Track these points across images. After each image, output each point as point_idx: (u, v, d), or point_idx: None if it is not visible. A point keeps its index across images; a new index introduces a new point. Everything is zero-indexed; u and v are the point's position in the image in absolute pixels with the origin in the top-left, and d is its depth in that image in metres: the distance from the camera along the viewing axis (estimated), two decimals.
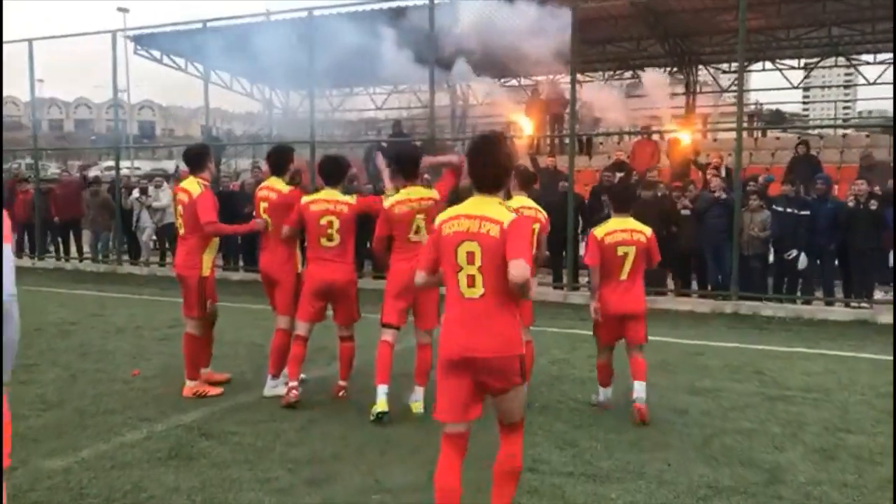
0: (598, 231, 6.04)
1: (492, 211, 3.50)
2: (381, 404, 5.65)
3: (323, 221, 6.02)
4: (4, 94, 17.10)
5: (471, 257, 3.47)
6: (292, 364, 6.08)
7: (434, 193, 5.94)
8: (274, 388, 6.32)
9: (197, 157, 6.61)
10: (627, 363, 6.04)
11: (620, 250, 5.95)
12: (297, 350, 6.11)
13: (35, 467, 4.71)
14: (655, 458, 4.95)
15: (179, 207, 6.45)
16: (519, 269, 3.28)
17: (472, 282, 3.48)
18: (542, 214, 6.08)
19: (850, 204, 10.65)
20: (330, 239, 6.04)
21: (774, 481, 4.59)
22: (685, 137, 14.94)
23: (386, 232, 5.86)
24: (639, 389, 5.85)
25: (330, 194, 6.12)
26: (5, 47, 14.89)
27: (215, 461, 4.86)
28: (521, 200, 6.06)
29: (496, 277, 3.43)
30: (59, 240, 16.94)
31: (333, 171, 6.23)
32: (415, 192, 5.86)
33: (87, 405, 6.04)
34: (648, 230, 6.11)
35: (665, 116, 17.17)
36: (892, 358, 7.94)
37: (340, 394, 6.22)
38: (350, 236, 6.15)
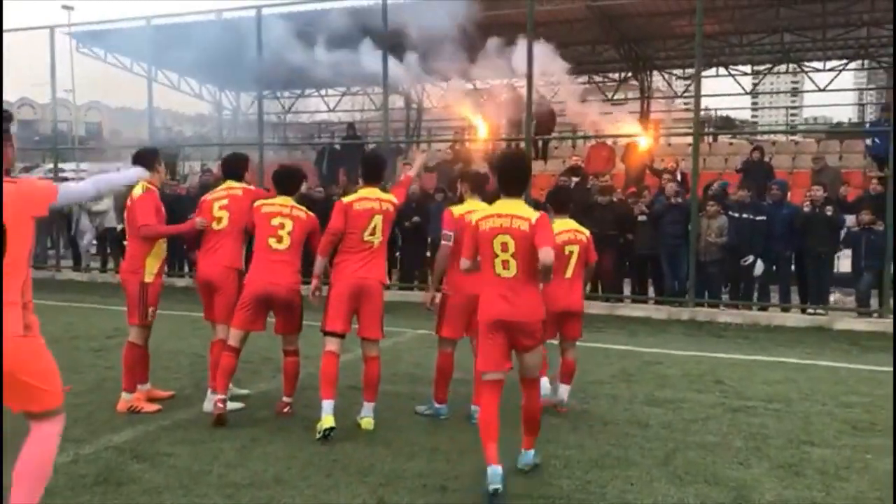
0: None
1: (519, 210, 4.53)
2: (328, 420, 5.31)
3: (275, 222, 5.74)
4: None
5: (504, 247, 4.46)
6: (221, 376, 5.70)
7: (393, 198, 5.76)
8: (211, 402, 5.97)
9: (144, 161, 6.25)
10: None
11: (567, 249, 6.02)
12: (227, 361, 5.72)
13: None
14: (617, 476, 4.70)
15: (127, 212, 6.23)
16: (548, 254, 4.29)
17: (506, 265, 4.48)
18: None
19: (806, 209, 10.62)
20: (280, 241, 5.72)
21: (741, 500, 4.37)
22: (642, 142, 14.86)
23: (341, 227, 5.54)
24: (563, 392, 6.12)
25: (285, 201, 5.86)
26: None
27: (147, 487, 4.48)
28: (474, 204, 5.82)
29: (525, 261, 4.46)
30: None
31: (287, 182, 5.97)
32: (376, 193, 5.67)
33: (8, 425, 5.58)
34: (587, 231, 6.24)
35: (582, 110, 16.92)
36: (850, 365, 7.92)
37: (285, 410, 5.88)
38: (299, 244, 5.84)
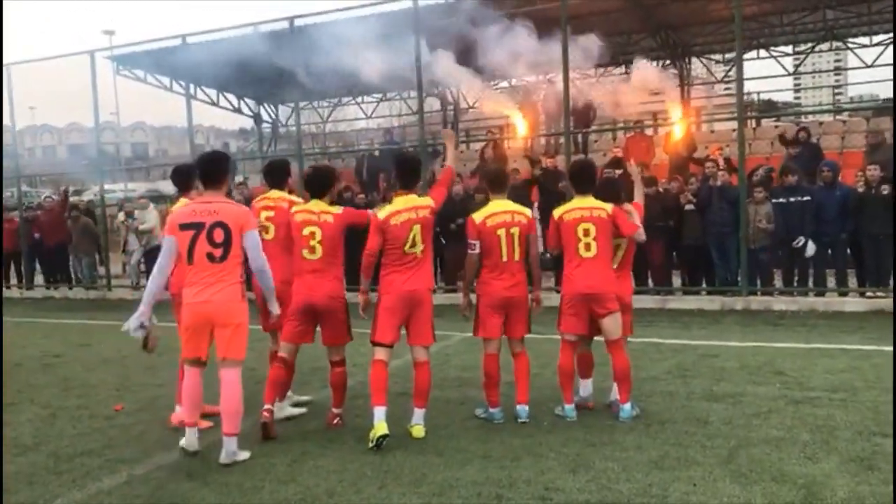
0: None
1: (595, 204, 5.71)
2: (381, 427, 5.22)
3: (305, 232, 5.64)
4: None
5: (586, 232, 5.62)
6: (268, 387, 5.69)
7: (430, 201, 5.59)
8: (280, 409, 6.01)
9: (181, 179, 6.38)
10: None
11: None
12: (276, 372, 5.72)
13: None
14: (679, 477, 4.53)
15: None
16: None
17: (588, 248, 5.63)
18: (523, 216, 5.76)
19: (861, 189, 10.24)
20: (312, 251, 5.63)
21: (812, 498, 4.16)
22: (677, 131, 14.52)
23: (378, 245, 5.47)
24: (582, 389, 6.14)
25: (316, 205, 5.73)
26: None
27: None
28: (499, 205, 5.74)
29: (604, 244, 5.67)
30: (47, 268, 16.55)
31: (317, 184, 5.80)
32: (412, 202, 5.51)
33: (64, 447, 5.62)
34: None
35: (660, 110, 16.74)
36: None
37: (335, 422, 5.81)
38: (335, 250, 5.72)
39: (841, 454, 4.80)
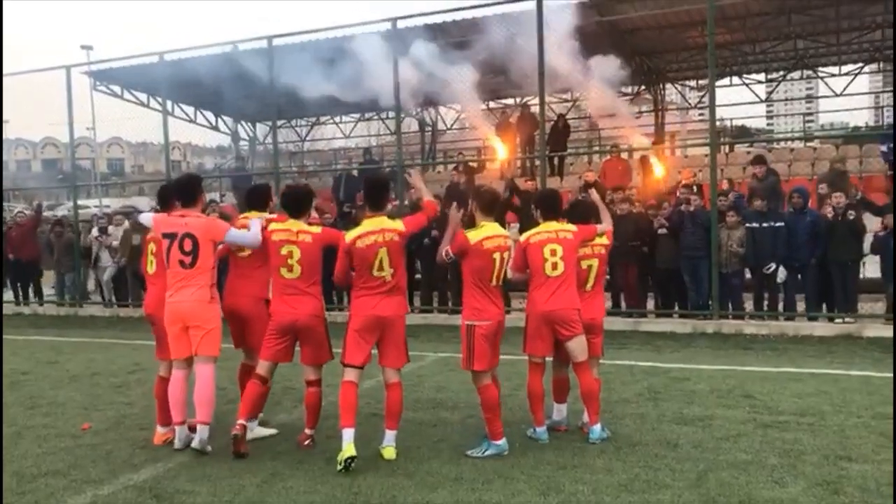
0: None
1: (562, 226, 5.83)
2: (349, 449, 5.18)
3: (283, 251, 5.64)
4: None
5: (553, 252, 5.67)
6: (243, 402, 5.69)
7: (399, 226, 5.54)
8: (251, 430, 5.94)
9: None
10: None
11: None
12: (254, 390, 5.69)
13: None
14: (648, 500, 4.55)
15: (151, 246, 6.25)
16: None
17: (555, 267, 5.67)
18: (510, 241, 5.74)
19: (829, 216, 10.41)
20: (290, 270, 5.64)
21: None
22: (652, 157, 14.73)
23: (345, 269, 5.52)
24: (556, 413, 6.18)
25: (294, 224, 5.73)
26: None
27: None
28: (490, 228, 5.56)
29: (570, 264, 5.72)
30: (18, 284, 16.32)
31: (295, 204, 5.81)
32: (379, 224, 5.47)
33: (28, 467, 5.53)
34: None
35: (633, 133, 16.93)
36: (883, 374, 7.68)
37: (306, 443, 5.77)
38: (313, 269, 5.71)
39: (808, 478, 4.85)
